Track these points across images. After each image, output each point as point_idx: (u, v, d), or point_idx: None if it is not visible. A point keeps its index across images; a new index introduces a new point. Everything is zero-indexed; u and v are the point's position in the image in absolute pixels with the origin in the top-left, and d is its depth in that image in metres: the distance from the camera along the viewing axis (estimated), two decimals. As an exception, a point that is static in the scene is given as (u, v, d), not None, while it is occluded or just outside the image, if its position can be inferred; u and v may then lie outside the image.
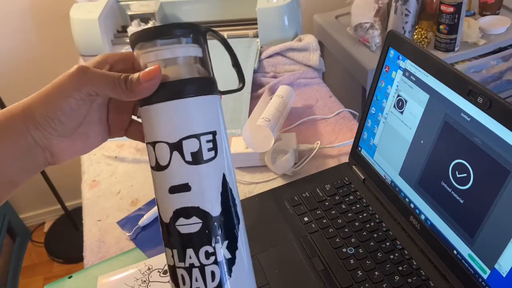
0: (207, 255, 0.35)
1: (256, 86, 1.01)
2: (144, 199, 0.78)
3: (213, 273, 0.36)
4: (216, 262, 0.36)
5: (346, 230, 0.65)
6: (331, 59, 1.42)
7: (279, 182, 0.77)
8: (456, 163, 0.54)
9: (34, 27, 1.40)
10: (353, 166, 0.75)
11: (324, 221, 0.67)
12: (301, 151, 0.82)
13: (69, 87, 0.36)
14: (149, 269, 0.64)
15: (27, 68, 1.44)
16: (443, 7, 1.13)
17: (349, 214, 0.67)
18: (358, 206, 0.68)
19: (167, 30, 0.37)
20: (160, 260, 0.65)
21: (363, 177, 0.73)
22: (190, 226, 0.35)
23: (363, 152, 0.73)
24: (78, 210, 0.91)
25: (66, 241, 1.75)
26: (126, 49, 1.12)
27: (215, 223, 0.36)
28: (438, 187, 0.57)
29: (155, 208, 0.74)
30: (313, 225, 0.67)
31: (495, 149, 0.49)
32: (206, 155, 0.36)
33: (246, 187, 0.78)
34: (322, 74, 1.11)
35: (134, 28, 1.13)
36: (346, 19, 1.38)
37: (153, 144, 0.36)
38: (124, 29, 1.18)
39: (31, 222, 1.84)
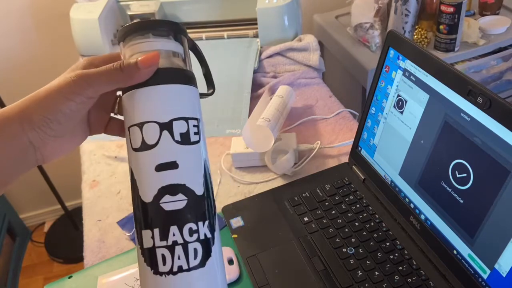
0: (191, 232, 0.36)
1: (256, 86, 1.01)
2: (144, 199, 0.78)
3: (195, 251, 0.36)
4: (198, 239, 0.36)
5: (346, 230, 0.65)
6: (331, 59, 1.42)
7: (279, 182, 0.77)
8: (456, 163, 0.54)
9: (34, 27, 1.40)
10: (353, 166, 0.75)
11: (324, 221, 0.67)
12: (301, 151, 0.82)
13: (69, 92, 0.37)
14: (149, 269, 0.64)
15: (27, 68, 1.44)
16: (443, 7, 1.13)
17: (349, 214, 0.67)
18: (358, 206, 0.68)
19: (162, 25, 0.40)
20: (160, 260, 0.65)
21: (363, 177, 0.73)
22: (175, 203, 0.36)
23: (363, 152, 0.73)
24: (78, 210, 0.91)
25: (66, 241, 1.75)
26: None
27: (199, 202, 0.37)
28: (438, 187, 0.57)
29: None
30: (313, 225, 0.67)
31: (495, 149, 0.49)
32: (193, 137, 0.38)
33: (246, 187, 0.78)
34: (322, 74, 1.11)
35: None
36: (346, 19, 1.38)
37: (141, 124, 0.38)
38: (124, 29, 1.18)
39: (31, 222, 1.84)
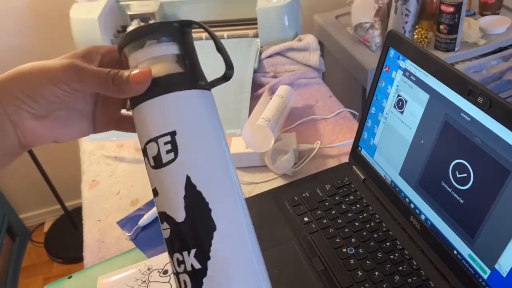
0: (178, 262, 0.34)
1: (256, 86, 1.01)
2: (144, 199, 0.78)
3: (185, 283, 0.34)
4: (185, 271, 0.33)
5: (346, 230, 0.65)
6: (331, 59, 1.42)
7: (279, 182, 0.77)
8: (456, 163, 0.54)
9: (34, 27, 1.40)
10: (353, 166, 0.75)
11: (324, 221, 0.67)
12: (301, 151, 0.82)
13: (57, 78, 0.36)
14: (149, 269, 0.64)
15: (27, 68, 1.43)
16: (443, 7, 1.13)
17: (349, 214, 0.67)
18: (358, 206, 0.68)
19: (136, 34, 0.37)
20: (160, 260, 0.65)
21: (363, 177, 0.72)
22: (164, 231, 0.35)
23: (363, 152, 0.73)
24: (78, 210, 0.91)
25: (66, 241, 1.75)
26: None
27: (181, 229, 0.34)
28: (438, 187, 0.57)
29: (155, 208, 0.74)
30: (313, 225, 0.67)
31: (495, 149, 0.49)
32: (165, 157, 0.34)
33: (246, 187, 0.78)
34: (322, 74, 1.11)
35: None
36: (346, 19, 1.38)
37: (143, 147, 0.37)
38: (124, 29, 1.18)
39: (31, 222, 1.84)
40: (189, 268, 0.33)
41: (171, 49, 0.37)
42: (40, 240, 1.78)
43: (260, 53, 1.09)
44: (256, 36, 1.13)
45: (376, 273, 0.59)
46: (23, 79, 0.36)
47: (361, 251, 0.62)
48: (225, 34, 1.14)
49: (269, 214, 0.70)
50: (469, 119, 0.51)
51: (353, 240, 0.63)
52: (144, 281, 0.62)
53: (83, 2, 1.16)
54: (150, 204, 0.76)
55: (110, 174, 0.84)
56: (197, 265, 0.33)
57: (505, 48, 1.28)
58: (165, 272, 0.63)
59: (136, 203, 0.77)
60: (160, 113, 0.35)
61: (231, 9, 1.19)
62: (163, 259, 0.65)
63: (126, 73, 0.36)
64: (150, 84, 0.36)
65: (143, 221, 0.72)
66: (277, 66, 1.07)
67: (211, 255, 0.33)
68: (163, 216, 0.35)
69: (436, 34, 1.21)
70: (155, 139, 0.35)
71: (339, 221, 0.66)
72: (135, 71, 0.35)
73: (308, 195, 0.71)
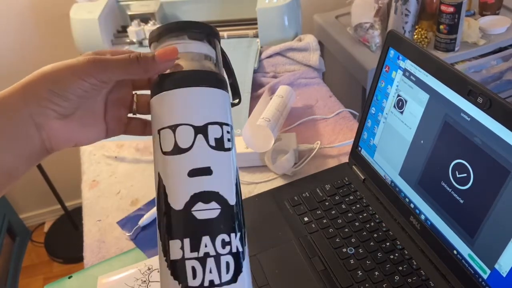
0: (224, 244, 0.34)
1: (256, 86, 1.01)
2: (144, 199, 0.78)
3: (227, 264, 0.34)
4: (231, 252, 0.34)
5: (346, 230, 0.65)
6: (331, 59, 1.42)
7: (279, 182, 0.77)
8: (456, 163, 0.54)
9: (34, 27, 1.40)
10: (353, 166, 0.75)
11: (324, 221, 0.67)
12: (301, 151, 0.82)
13: (83, 72, 0.36)
14: (149, 269, 0.64)
15: (27, 68, 1.42)
16: (443, 7, 1.13)
17: (349, 214, 0.67)
18: (358, 206, 0.68)
19: (197, 27, 0.39)
20: (160, 260, 0.65)
21: (363, 177, 0.73)
22: (209, 211, 0.34)
23: (363, 152, 0.73)
24: (78, 210, 0.91)
25: (66, 241, 1.75)
26: (127, 48, 1.12)
27: (232, 212, 0.35)
28: (438, 187, 0.57)
29: (155, 208, 0.74)
30: (313, 225, 0.67)
31: (495, 149, 0.49)
32: (227, 144, 0.36)
33: (246, 187, 0.78)
34: (322, 74, 1.11)
35: (134, 28, 1.13)
36: (346, 19, 1.38)
37: (174, 127, 0.36)
38: (124, 29, 1.18)
39: (31, 222, 1.84)
40: (234, 250, 0.34)
41: (212, 51, 0.40)
42: (40, 240, 1.78)
43: (260, 53, 1.09)
44: (256, 36, 1.13)
45: (376, 273, 0.59)
46: (49, 78, 0.35)
47: (361, 251, 0.62)
48: (225, 34, 1.14)
49: (269, 214, 0.70)
50: (469, 119, 0.51)
51: (353, 240, 0.63)
52: (144, 281, 0.62)
53: (83, 2, 1.16)
54: (150, 204, 0.76)
55: (110, 174, 0.84)
56: (240, 248, 0.35)
57: (505, 48, 1.28)
58: (165, 272, 0.63)
59: (136, 203, 0.77)
60: (225, 104, 0.38)
61: (231, 9, 1.19)
62: (163, 259, 0.65)
63: (149, 54, 0.37)
64: (203, 72, 0.38)
65: (143, 221, 0.72)
66: (277, 66, 1.07)
67: (245, 241, 0.36)
68: (214, 196, 0.35)
69: (436, 34, 1.21)
70: (220, 124, 0.36)
71: (339, 221, 0.66)
72: (159, 50, 0.37)
73: (308, 195, 0.71)
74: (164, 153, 0.36)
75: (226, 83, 0.39)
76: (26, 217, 1.82)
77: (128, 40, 1.15)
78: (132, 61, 0.37)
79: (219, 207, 0.35)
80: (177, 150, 0.35)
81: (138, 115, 0.43)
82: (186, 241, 0.34)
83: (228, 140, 0.37)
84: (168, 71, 0.38)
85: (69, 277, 0.65)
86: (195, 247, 0.33)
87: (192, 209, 0.34)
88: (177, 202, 0.35)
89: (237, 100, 0.44)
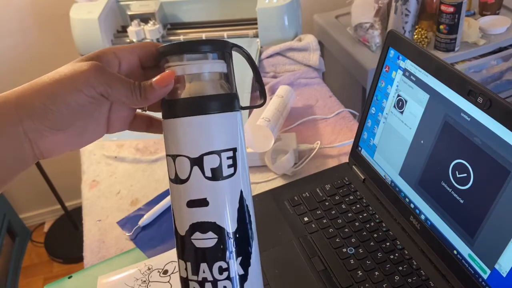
0: (221, 270, 0.36)
1: (256, 86, 1.01)
2: (144, 199, 0.78)
3: None
4: (229, 277, 0.36)
5: (346, 230, 0.65)
6: (331, 59, 1.42)
7: (279, 182, 0.77)
8: (456, 163, 0.54)
9: (34, 27, 1.40)
10: (353, 166, 0.75)
11: (324, 221, 0.67)
12: (301, 151, 0.82)
13: (83, 82, 0.34)
14: (149, 269, 0.64)
15: (27, 68, 1.44)
16: (443, 7, 1.13)
17: (349, 214, 0.67)
18: (358, 206, 0.68)
19: (195, 46, 0.37)
20: (160, 260, 0.65)
21: (363, 177, 0.73)
22: (205, 240, 0.36)
23: (363, 152, 0.73)
24: (78, 210, 0.91)
25: (66, 241, 1.76)
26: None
27: (230, 239, 0.36)
28: (438, 187, 0.57)
29: (155, 208, 0.74)
30: (313, 225, 0.67)
31: (495, 149, 0.49)
32: (226, 171, 0.36)
33: (246, 187, 0.78)
34: (322, 74, 1.11)
35: (134, 28, 1.13)
36: (346, 19, 1.38)
37: (174, 157, 0.36)
38: (124, 29, 1.18)
39: (31, 222, 1.84)
40: (233, 275, 0.36)
41: (222, 66, 0.39)
42: (40, 240, 1.78)
43: (260, 53, 1.09)
44: (256, 36, 1.13)
45: (376, 273, 0.59)
46: (42, 90, 0.33)
47: (361, 251, 0.62)
48: (225, 34, 1.14)
49: (269, 214, 0.70)
50: (469, 119, 0.51)
51: (353, 240, 0.63)
52: (144, 281, 0.62)
53: (83, 2, 1.16)
54: (150, 204, 0.76)
55: (110, 174, 0.84)
56: (241, 271, 0.36)
57: (505, 48, 1.28)
58: (165, 272, 0.63)
59: (136, 203, 0.77)
60: (225, 128, 0.37)
61: (231, 9, 1.19)
62: (163, 259, 0.65)
63: (148, 81, 0.36)
64: (207, 98, 0.36)
65: (143, 221, 0.72)
66: (277, 66, 1.07)
67: (251, 262, 0.37)
68: (210, 226, 0.36)
69: (436, 34, 1.21)
70: (217, 152, 0.36)
71: (339, 221, 0.66)
72: (156, 78, 0.36)
73: (308, 195, 0.71)
74: (170, 179, 0.38)
75: (234, 100, 0.38)
76: (26, 217, 1.82)
77: (128, 40, 1.15)
78: (135, 90, 0.36)
79: (216, 237, 0.36)
80: (178, 180, 0.37)
81: (148, 112, 0.42)
82: (188, 264, 0.36)
83: (229, 166, 0.36)
84: (178, 92, 0.37)
85: (69, 277, 0.65)
86: (195, 271, 0.36)
87: (192, 237, 0.36)
88: (181, 228, 0.37)
89: (262, 101, 0.43)
